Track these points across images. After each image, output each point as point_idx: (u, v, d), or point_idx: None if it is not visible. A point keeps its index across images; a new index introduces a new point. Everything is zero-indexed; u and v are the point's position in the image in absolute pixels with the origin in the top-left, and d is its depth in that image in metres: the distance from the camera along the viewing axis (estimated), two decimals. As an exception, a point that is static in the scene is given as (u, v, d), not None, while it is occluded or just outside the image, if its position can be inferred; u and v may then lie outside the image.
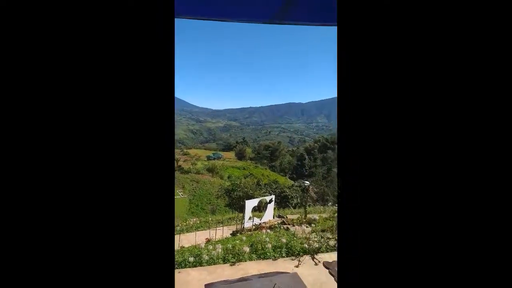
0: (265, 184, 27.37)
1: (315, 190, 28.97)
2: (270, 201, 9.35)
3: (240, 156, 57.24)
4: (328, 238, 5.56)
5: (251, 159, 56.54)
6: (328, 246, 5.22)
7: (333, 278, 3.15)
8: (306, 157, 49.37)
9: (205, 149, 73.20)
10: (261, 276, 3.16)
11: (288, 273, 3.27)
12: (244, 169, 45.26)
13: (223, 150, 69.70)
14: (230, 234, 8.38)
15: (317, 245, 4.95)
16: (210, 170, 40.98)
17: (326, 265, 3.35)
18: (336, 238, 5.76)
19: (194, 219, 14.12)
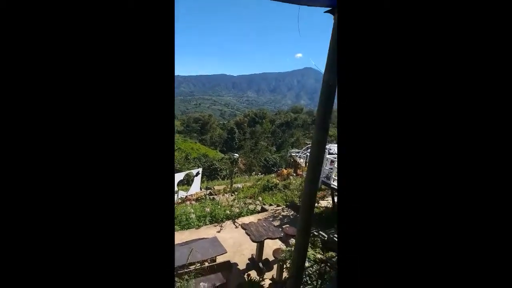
0: (194, 158, 26.78)
1: (244, 161, 30.49)
2: (197, 174, 9.31)
3: (167, 129, 52.93)
4: (249, 203, 6.13)
5: (179, 132, 53.35)
6: (248, 210, 5.77)
7: (248, 237, 3.55)
8: (236, 130, 50.48)
9: (123, 120, 63.64)
10: (181, 244, 3.25)
11: (207, 238, 3.48)
12: (171, 143, 42.45)
13: (147, 122, 62.58)
14: (154, 210, 8.03)
15: (237, 211, 5.39)
16: (131, 144, 36.43)
17: (243, 226, 3.73)
18: (256, 202, 6.41)
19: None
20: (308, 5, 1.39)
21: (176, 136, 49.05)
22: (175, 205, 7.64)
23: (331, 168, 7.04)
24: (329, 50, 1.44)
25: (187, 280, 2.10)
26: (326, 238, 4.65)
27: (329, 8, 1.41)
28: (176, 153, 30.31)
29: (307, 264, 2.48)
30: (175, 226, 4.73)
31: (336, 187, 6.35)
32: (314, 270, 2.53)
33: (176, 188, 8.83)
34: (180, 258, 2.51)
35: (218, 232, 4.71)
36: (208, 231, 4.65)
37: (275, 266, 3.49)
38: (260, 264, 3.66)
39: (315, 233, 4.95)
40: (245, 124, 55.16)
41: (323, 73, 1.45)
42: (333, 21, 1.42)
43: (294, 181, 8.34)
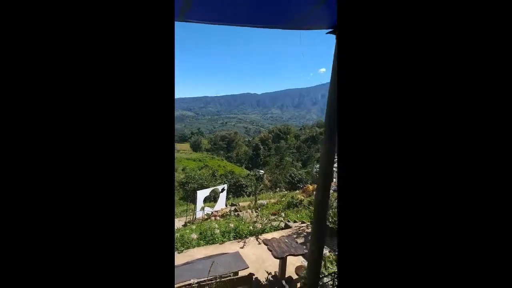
0: (220, 175, 27.37)
1: (269, 178, 30.28)
2: (222, 190, 9.52)
3: (196, 147, 55.44)
4: (272, 219, 6.07)
5: (207, 150, 55.35)
6: (271, 226, 5.72)
7: (270, 253, 3.53)
8: (261, 147, 50.81)
9: (156, 141, 67.97)
10: (204, 258, 3.34)
11: (229, 253, 3.53)
12: (199, 160, 44.13)
13: (178, 141, 66.25)
14: (182, 225, 8.31)
15: (260, 227, 5.37)
16: (163, 163, 38.59)
17: (265, 242, 3.72)
18: (280, 218, 6.33)
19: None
20: (309, 29, 1.52)
21: (204, 153, 50.83)
22: (201, 221, 7.85)
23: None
24: (332, 68, 1.53)
25: (208, 291, 2.17)
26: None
27: (330, 30, 1.52)
28: (203, 170, 31.28)
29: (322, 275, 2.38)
30: (200, 241, 4.87)
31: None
32: (328, 281, 2.43)
33: (202, 204, 9.10)
34: (202, 271, 2.60)
35: (242, 247, 4.73)
36: (231, 247, 4.69)
37: (299, 285, 3.38)
38: (283, 282, 3.57)
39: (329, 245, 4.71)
40: (269, 140, 55.39)
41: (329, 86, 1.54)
42: (335, 41, 1.52)
43: (319, 197, 8.08)
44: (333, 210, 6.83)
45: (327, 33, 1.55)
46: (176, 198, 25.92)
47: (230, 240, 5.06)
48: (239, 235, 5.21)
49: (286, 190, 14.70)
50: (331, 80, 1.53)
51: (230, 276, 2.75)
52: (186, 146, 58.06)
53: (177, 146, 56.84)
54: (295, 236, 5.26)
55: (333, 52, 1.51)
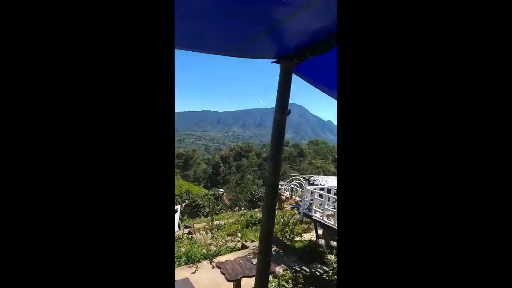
0: (175, 195, 25.73)
1: (229, 197, 29.64)
2: (175, 211, 8.93)
3: (149, 165, 51.44)
4: (229, 240, 5.88)
5: (162, 168, 51.79)
6: (227, 248, 5.52)
7: (223, 277, 3.37)
8: (221, 164, 50.01)
9: (103, 158, 61.28)
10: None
11: (178, 280, 3.26)
12: (153, 179, 40.87)
13: (128, 159, 60.61)
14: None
15: (214, 249, 5.14)
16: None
17: (218, 265, 3.56)
18: (237, 238, 6.17)
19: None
20: (255, 58, 1.64)
21: (159, 172, 47.41)
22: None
23: (312, 200, 7.11)
24: (277, 93, 1.67)
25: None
26: (308, 274, 4.49)
27: (275, 60, 1.68)
28: (157, 190, 28.95)
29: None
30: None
31: (319, 219, 6.34)
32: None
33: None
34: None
35: (193, 273, 4.41)
36: (182, 273, 4.33)
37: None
38: (236, 307, 3.42)
39: (297, 268, 4.77)
40: (230, 158, 55.03)
41: (274, 109, 1.67)
42: (279, 70, 1.68)
43: (277, 215, 8.23)
44: (289, 227, 6.98)
45: (272, 62, 1.70)
46: (124, 222, 23.13)
47: (180, 265, 4.69)
48: (191, 260, 4.88)
49: (246, 209, 14.54)
50: (276, 105, 1.66)
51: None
52: (138, 164, 53.46)
53: (128, 163, 51.98)
54: (251, 256, 5.15)
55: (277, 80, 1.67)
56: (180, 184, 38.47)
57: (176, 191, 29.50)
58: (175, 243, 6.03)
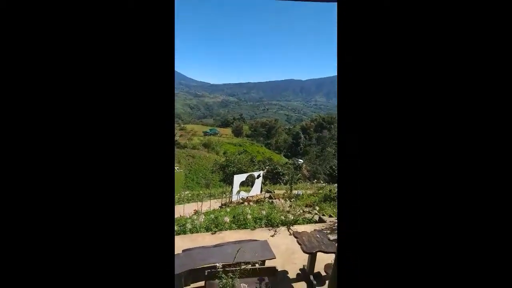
0: (258, 161, 27.88)
1: (308, 168, 29.58)
2: (258, 176, 9.66)
3: (237, 132, 57.28)
4: (307, 212, 5.91)
5: (247, 136, 56.69)
6: (304, 219, 5.58)
7: (299, 247, 3.43)
8: (302, 136, 49.57)
9: (202, 124, 72.76)
10: (234, 242, 3.44)
11: (258, 240, 3.56)
12: (240, 145, 45.60)
13: (220, 126, 69.37)
14: (219, 206, 8.79)
15: (292, 218, 5.28)
16: (206, 145, 41.28)
17: (295, 234, 3.64)
18: (314, 211, 6.12)
19: (186, 192, 14.62)
20: (313, 1, 1.31)
21: (244, 139, 52.27)
22: (236, 204, 8.16)
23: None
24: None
25: (231, 277, 2.21)
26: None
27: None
28: (242, 155, 32.29)
29: None
30: (232, 225, 5.05)
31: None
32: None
33: (238, 188, 9.42)
34: (230, 255, 2.68)
35: (272, 236, 4.75)
36: (262, 234, 4.75)
37: (328, 282, 3.24)
38: (311, 277, 3.48)
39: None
40: (311, 129, 53.60)
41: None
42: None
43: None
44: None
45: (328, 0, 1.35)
46: (217, 180, 27.57)
47: (261, 227, 5.13)
48: (270, 223, 5.24)
49: (325, 183, 14.14)
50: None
51: (255, 264, 2.77)
52: (228, 131, 60.41)
53: (220, 130, 59.67)
54: (328, 231, 5.03)
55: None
56: (263, 151, 41.18)
57: (259, 158, 31.80)
58: (257, 205, 6.60)
